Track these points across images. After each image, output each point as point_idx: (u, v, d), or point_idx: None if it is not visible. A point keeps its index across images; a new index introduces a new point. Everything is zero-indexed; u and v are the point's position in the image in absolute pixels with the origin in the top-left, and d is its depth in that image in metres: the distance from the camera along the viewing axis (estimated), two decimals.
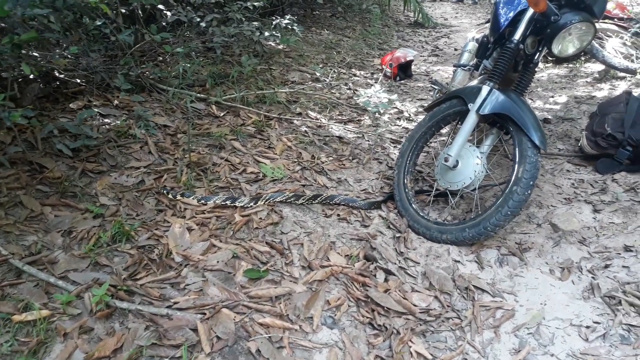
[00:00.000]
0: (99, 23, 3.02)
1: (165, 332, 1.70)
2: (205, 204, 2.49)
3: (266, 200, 2.56)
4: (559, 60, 2.66)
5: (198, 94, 3.57)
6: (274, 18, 4.70)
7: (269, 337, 1.75)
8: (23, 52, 2.58)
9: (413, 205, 2.66)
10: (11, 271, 1.87)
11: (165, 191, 2.51)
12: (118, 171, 2.61)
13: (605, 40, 4.73)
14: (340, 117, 4.03)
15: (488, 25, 3.15)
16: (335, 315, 1.92)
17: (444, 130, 3.16)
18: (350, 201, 2.72)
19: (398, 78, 5.53)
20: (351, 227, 2.56)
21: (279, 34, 4.45)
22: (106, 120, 2.98)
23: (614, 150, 2.97)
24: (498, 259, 2.40)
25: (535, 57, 2.64)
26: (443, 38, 8.23)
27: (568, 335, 1.90)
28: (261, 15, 5.28)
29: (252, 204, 2.53)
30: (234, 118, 3.49)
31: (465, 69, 3.42)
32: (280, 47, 5.24)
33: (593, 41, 3.65)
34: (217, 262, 2.09)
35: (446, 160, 2.52)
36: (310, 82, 4.64)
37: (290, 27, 4.59)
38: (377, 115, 4.12)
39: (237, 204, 2.51)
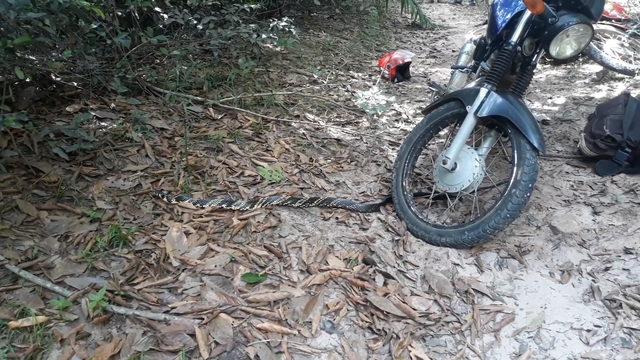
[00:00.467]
0: (95, 26, 3.01)
1: (163, 337, 1.69)
2: (203, 208, 2.48)
3: (263, 204, 2.55)
4: (557, 62, 2.66)
5: (195, 97, 3.55)
6: (271, 20, 4.69)
7: (268, 342, 1.74)
8: (18, 55, 2.56)
9: (412, 208, 2.65)
10: (7, 276, 1.86)
11: (160, 195, 2.50)
12: (115, 175, 2.59)
13: (603, 41, 4.73)
14: (338, 120, 4.02)
15: (486, 26, 3.15)
16: (334, 319, 1.91)
17: (442, 133, 3.15)
18: (347, 204, 2.71)
19: (396, 80, 5.53)
20: (350, 230, 2.55)
21: (276, 36, 4.45)
22: (103, 123, 2.96)
23: (612, 152, 2.96)
24: (497, 261, 2.38)
25: (533, 59, 2.63)
26: (441, 39, 8.24)
27: (569, 339, 1.89)
28: (258, 17, 5.28)
29: (248, 207, 2.51)
30: (232, 121, 3.48)
31: (463, 70, 3.42)
32: (278, 49, 5.23)
33: (591, 42, 3.64)
34: (215, 266, 2.07)
35: (444, 162, 2.51)
36: (308, 85, 4.63)
37: (287, 29, 4.59)
38: (375, 117, 4.11)
39: (233, 207, 2.50)
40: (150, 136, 2.95)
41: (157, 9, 3.83)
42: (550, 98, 4.53)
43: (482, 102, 2.48)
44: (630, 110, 2.98)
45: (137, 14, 3.67)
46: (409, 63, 5.60)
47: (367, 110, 3.91)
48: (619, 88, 4.48)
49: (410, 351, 1.81)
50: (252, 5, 4.61)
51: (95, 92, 3.22)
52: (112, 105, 3.17)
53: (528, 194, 2.29)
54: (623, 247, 2.33)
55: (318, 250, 2.30)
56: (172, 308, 1.83)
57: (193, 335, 1.71)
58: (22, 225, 2.12)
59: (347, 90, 4.75)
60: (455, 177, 2.54)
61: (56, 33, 2.67)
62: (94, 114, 2.98)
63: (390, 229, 2.59)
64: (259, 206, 2.53)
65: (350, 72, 5.50)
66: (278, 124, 3.63)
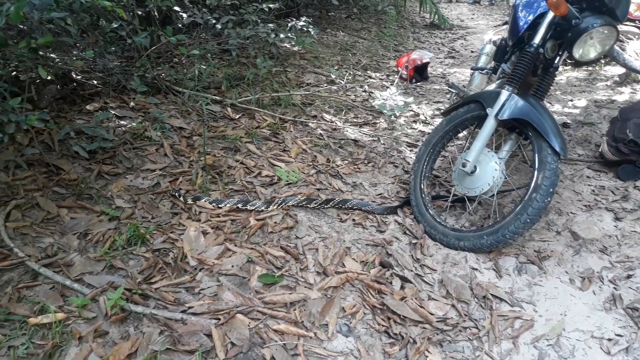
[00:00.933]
0: (116, 25, 3.03)
1: (180, 337, 1.69)
2: (220, 207, 2.48)
3: (278, 204, 2.55)
4: (578, 64, 2.60)
5: (213, 96, 3.57)
6: (289, 20, 4.69)
7: (284, 344, 1.73)
8: (40, 53, 2.59)
9: (430, 211, 2.63)
10: (27, 273, 1.88)
11: (177, 194, 2.51)
12: (134, 173, 2.61)
13: (626, 42, 4.64)
14: (355, 120, 4.00)
15: (505, 27, 3.11)
16: (351, 322, 1.90)
17: (461, 134, 3.12)
18: (363, 205, 2.70)
19: (414, 80, 5.49)
20: (367, 233, 2.53)
21: (294, 36, 4.44)
22: (122, 122, 2.99)
23: (636, 156, 2.90)
24: (516, 267, 2.35)
25: (556, 61, 2.59)
26: (459, 40, 8.17)
27: (589, 348, 1.86)
28: (277, 17, 5.28)
29: (264, 207, 2.51)
30: (249, 120, 3.48)
31: (483, 72, 3.37)
32: (296, 49, 5.23)
33: None
34: (232, 266, 2.08)
35: (464, 165, 2.48)
36: (325, 85, 4.62)
37: (305, 28, 4.58)
38: (392, 118, 4.09)
39: (249, 207, 2.50)
40: (169, 135, 2.96)
41: (176, 8, 3.85)
42: (571, 100, 4.46)
43: (503, 105, 2.45)
44: None
45: (156, 13, 3.70)
46: (427, 63, 5.55)
47: (385, 111, 3.89)
48: None
49: (427, 356, 1.79)
50: (271, 5, 4.61)
51: (115, 90, 3.25)
52: (132, 104, 3.20)
53: (549, 199, 2.26)
54: None
55: (335, 252, 2.29)
56: (189, 308, 1.83)
57: (209, 336, 1.71)
58: (42, 222, 2.15)
59: (365, 91, 4.73)
60: (474, 181, 2.51)
61: (77, 32, 2.70)
62: (113, 112, 3.01)
63: (407, 231, 2.57)
64: (275, 207, 2.53)
65: (368, 72, 5.47)
66: (295, 124, 3.63)
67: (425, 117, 4.29)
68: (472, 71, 3.56)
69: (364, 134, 3.74)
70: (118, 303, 1.74)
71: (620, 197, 2.76)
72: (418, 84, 5.48)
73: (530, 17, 2.60)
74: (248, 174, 2.87)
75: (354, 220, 2.62)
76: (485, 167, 2.50)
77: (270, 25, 4.33)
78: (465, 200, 2.68)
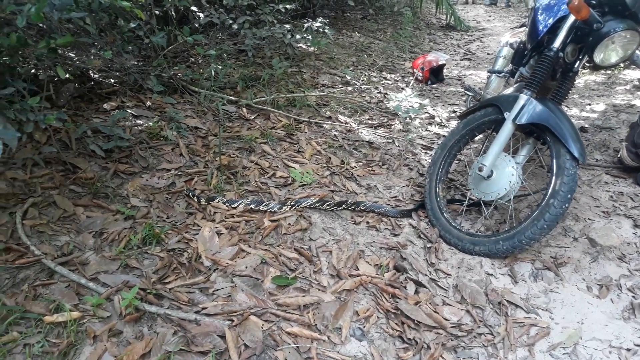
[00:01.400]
0: (134, 25, 3.05)
1: (193, 338, 1.69)
2: (234, 208, 2.49)
3: (292, 206, 2.54)
4: (597, 67, 2.56)
5: (229, 97, 3.57)
6: (305, 20, 4.69)
7: (297, 347, 1.73)
8: (59, 52, 2.62)
9: (445, 214, 2.61)
10: (43, 271, 1.90)
11: (191, 194, 2.52)
12: (149, 173, 2.62)
13: None
14: (370, 122, 3.99)
15: (522, 29, 3.07)
16: (364, 326, 1.89)
17: (477, 138, 3.09)
18: (376, 207, 2.68)
19: (429, 82, 5.46)
20: (381, 236, 2.52)
21: (310, 37, 4.44)
22: (138, 121, 3.00)
23: None
24: (532, 273, 2.32)
25: (575, 66, 2.54)
26: (476, 42, 8.11)
27: (607, 358, 1.83)
28: (292, 17, 5.28)
29: (277, 208, 2.51)
30: (264, 121, 3.48)
31: (500, 75, 3.34)
32: (311, 49, 5.22)
33: None
34: (246, 267, 2.08)
35: (480, 169, 2.46)
36: (340, 86, 4.61)
37: (321, 29, 4.58)
38: (408, 120, 4.07)
39: (261, 207, 2.50)
40: (184, 135, 2.98)
41: (193, 8, 3.87)
42: (589, 104, 4.40)
43: (522, 109, 2.42)
44: None
45: (173, 13, 3.71)
46: (443, 65, 5.52)
47: (400, 113, 3.88)
48: None
49: None
50: (287, 6, 4.61)
51: (131, 90, 3.28)
52: (148, 103, 3.22)
53: (566, 205, 2.23)
54: None
55: (348, 255, 2.28)
56: (203, 308, 1.83)
57: (223, 337, 1.71)
58: (58, 220, 2.16)
59: (380, 92, 4.71)
60: (491, 185, 2.49)
61: (96, 31, 2.72)
62: (130, 111, 3.03)
63: (422, 235, 2.55)
64: (288, 208, 2.53)
65: (383, 73, 5.45)
66: (310, 125, 3.62)
67: (441, 120, 4.26)
68: (488, 74, 3.53)
69: (378, 135, 3.72)
70: (132, 303, 1.74)
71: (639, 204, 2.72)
72: (434, 85, 5.45)
73: (550, 21, 2.56)
74: (262, 174, 2.87)
75: (368, 222, 2.61)
76: (502, 171, 2.48)
77: (287, 25, 4.34)
78: (481, 205, 2.65)
